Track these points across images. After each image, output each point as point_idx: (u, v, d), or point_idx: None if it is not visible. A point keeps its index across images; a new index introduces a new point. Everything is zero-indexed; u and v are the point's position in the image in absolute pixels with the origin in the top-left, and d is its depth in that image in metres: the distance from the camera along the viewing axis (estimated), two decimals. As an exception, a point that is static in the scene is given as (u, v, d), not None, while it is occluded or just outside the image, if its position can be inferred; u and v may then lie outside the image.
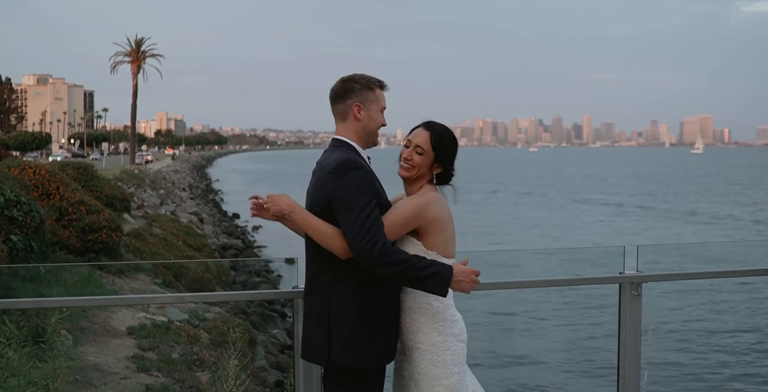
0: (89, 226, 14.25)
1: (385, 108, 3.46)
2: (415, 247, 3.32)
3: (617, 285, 4.06)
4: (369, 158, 3.44)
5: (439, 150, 3.36)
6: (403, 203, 3.35)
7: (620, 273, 4.06)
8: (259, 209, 3.42)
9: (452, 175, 3.45)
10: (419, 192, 3.38)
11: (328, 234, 3.24)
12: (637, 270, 4.05)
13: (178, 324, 11.52)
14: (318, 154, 3.55)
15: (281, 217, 3.37)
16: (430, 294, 3.30)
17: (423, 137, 3.36)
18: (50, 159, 35.21)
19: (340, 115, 3.42)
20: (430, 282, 3.19)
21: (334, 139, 3.43)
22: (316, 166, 3.40)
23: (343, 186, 3.19)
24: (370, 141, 3.44)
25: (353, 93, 3.38)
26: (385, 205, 3.33)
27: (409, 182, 3.41)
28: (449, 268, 3.22)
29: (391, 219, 3.26)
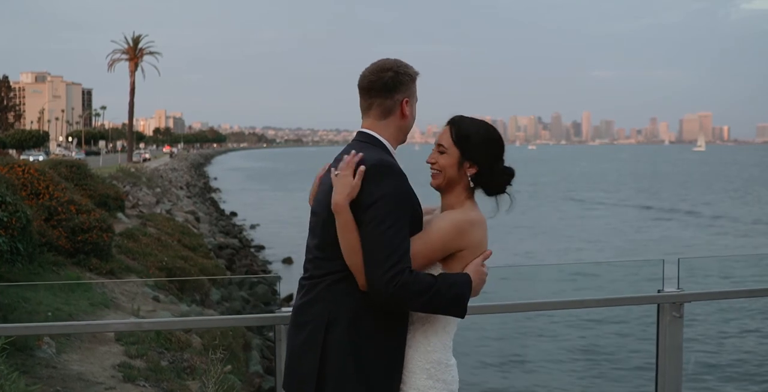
0: (79, 227, 13.84)
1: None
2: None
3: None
4: None
5: (463, 145, 2.80)
6: (438, 221, 2.77)
7: (658, 291, 3.52)
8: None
9: (504, 179, 2.84)
10: (460, 208, 2.81)
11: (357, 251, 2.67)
12: (678, 288, 3.52)
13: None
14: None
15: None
16: (431, 326, 2.78)
17: (445, 134, 2.85)
18: (32, 159, 32.76)
19: (383, 111, 2.85)
20: (452, 307, 2.67)
21: (361, 133, 2.86)
22: (334, 162, 2.81)
23: (373, 194, 2.63)
24: (403, 139, 2.94)
25: (403, 86, 2.85)
26: (419, 218, 2.77)
27: (445, 192, 2.86)
28: (469, 282, 2.69)
29: (423, 241, 2.70)
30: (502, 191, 2.87)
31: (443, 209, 2.87)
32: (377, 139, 2.82)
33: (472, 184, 2.83)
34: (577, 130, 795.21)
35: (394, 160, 2.78)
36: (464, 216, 2.76)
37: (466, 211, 2.79)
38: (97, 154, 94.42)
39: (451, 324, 2.81)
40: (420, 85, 2.93)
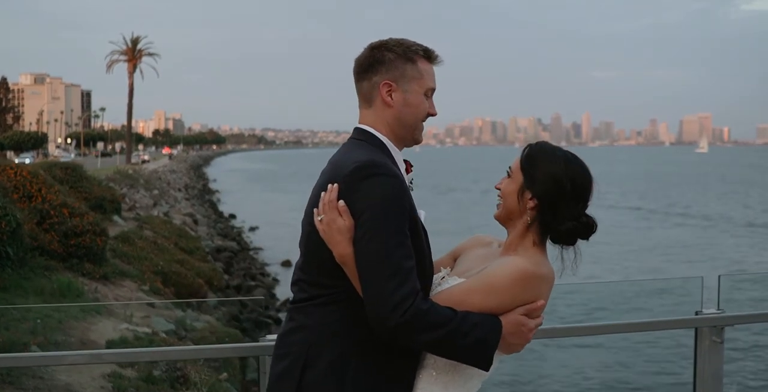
0: (72, 230, 13.58)
1: (433, 89, 2.38)
2: None
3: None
4: (410, 166, 2.38)
5: (527, 169, 2.28)
6: (499, 266, 2.22)
7: (696, 313, 3.12)
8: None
9: (570, 227, 2.25)
10: (525, 254, 2.26)
11: None
12: (718, 309, 3.13)
13: (163, 336, 10.82)
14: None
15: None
16: (448, 378, 2.24)
17: (516, 158, 2.36)
18: (17, 161, 32.15)
19: (363, 97, 2.36)
20: (472, 354, 2.13)
21: (355, 130, 2.38)
22: (327, 164, 2.35)
23: (357, 203, 2.15)
24: (408, 136, 2.35)
25: (383, 66, 2.31)
26: (417, 235, 2.23)
27: (507, 228, 2.35)
28: (498, 327, 2.15)
29: (475, 288, 2.18)
30: (567, 241, 2.28)
31: (504, 249, 2.35)
32: (371, 134, 2.32)
33: (528, 219, 2.27)
34: (577, 131, 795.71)
35: (393, 160, 2.29)
36: (535, 268, 2.21)
37: (536, 262, 2.24)
38: (109, 155, 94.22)
39: (473, 379, 2.26)
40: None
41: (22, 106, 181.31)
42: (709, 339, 3.10)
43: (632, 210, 51.91)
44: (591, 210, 2.32)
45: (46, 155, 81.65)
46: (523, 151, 2.35)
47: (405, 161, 2.38)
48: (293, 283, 2.34)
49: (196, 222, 34.30)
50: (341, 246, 2.15)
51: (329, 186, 2.20)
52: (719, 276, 3.15)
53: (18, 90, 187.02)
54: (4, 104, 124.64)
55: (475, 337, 2.10)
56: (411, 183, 2.36)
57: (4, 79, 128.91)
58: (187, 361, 9.98)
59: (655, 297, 15.41)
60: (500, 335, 2.15)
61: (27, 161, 43.35)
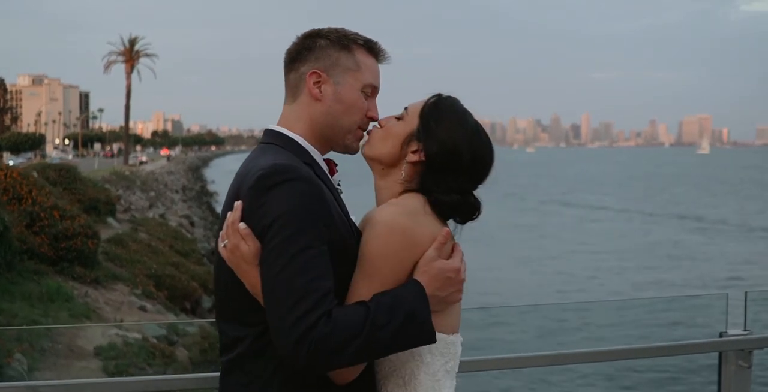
0: (62, 233, 13.36)
1: (374, 87, 2.00)
2: None
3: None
4: (334, 166, 2.03)
5: (428, 121, 1.93)
6: (367, 233, 1.87)
7: (720, 335, 2.82)
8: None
9: (450, 201, 1.91)
10: (394, 200, 1.93)
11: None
12: (745, 330, 2.82)
13: (154, 341, 10.58)
14: None
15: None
16: (404, 378, 1.89)
17: (419, 102, 1.99)
18: (10, 163, 31.01)
19: (289, 90, 2.00)
20: (407, 338, 1.78)
21: (265, 132, 2.01)
22: (234, 177, 1.96)
23: (264, 217, 1.77)
24: (338, 140, 1.99)
25: (312, 53, 1.96)
26: (347, 246, 1.87)
27: (378, 176, 1.99)
28: (417, 292, 1.80)
29: (360, 274, 1.85)
30: (442, 214, 1.92)
31: (377, 201, 1.99)
32: (283, 135, 1.95)
33: (403, 174, 1.93)
34: (576, 132, 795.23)
35: (306, 164, 1.89)
36: (401, 209, 1.87)
37: (400, 203, 1.90)
38: (116, 156, 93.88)
39: (436, 368, 1.90)
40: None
41: (20, 107, 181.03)
42: (735, 363, 2.79)
43: (642, 215, 51.19)
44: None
45: (44, 156, 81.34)
46: (431, 98, 1.99)
47: (327, 161, 2.02)
48: (217, 327, 2.00)
49: (192, 224, 34.08)
50: (249, 276, 1.80)
51: (235, 204, 1.84)
52: (746, 293, 2.84)
53: (16, 91, 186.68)
54: (2, 105, 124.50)
55: (398, 322, 1.75)
56: (339, 185, 2.03)
57: (2, 81, 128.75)
58: (178, 369, 9.77)
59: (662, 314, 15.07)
60: (425, 299, 1.80)
61: (11, 163, 41.93)
